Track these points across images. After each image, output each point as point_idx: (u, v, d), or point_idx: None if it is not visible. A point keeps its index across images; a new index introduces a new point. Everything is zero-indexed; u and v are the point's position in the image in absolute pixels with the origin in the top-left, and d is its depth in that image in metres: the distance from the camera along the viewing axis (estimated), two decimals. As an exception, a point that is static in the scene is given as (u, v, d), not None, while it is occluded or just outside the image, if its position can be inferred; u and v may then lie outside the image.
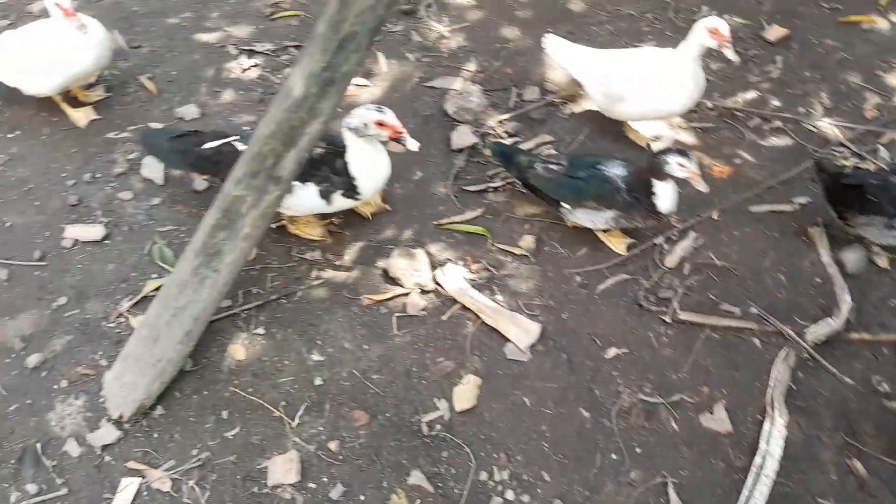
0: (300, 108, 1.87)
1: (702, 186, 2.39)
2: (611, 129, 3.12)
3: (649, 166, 2.43)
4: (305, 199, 2.41)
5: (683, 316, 2.47)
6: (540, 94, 3.28)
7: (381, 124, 2.30)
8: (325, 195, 2.40)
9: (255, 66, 3.36)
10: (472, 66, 3.44)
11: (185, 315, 2.05)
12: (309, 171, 2.34)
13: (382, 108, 2.32)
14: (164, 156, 2.59)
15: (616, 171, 2.49)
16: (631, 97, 2.86)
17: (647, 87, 2.83)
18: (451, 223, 2.73)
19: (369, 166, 2.39)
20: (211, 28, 3.58)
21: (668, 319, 2.46)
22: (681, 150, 2.38)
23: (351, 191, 2.40)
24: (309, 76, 1.82)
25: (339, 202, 2.43)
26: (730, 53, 2.71)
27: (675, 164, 2.36)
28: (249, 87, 3.26)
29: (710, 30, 2.68)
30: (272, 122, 1.91)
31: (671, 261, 2.64)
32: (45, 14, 3.58)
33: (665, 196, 2.44)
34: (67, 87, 2.96)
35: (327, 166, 2.38)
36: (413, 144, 2.33)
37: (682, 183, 2.44)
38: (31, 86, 2.89)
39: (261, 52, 3.43)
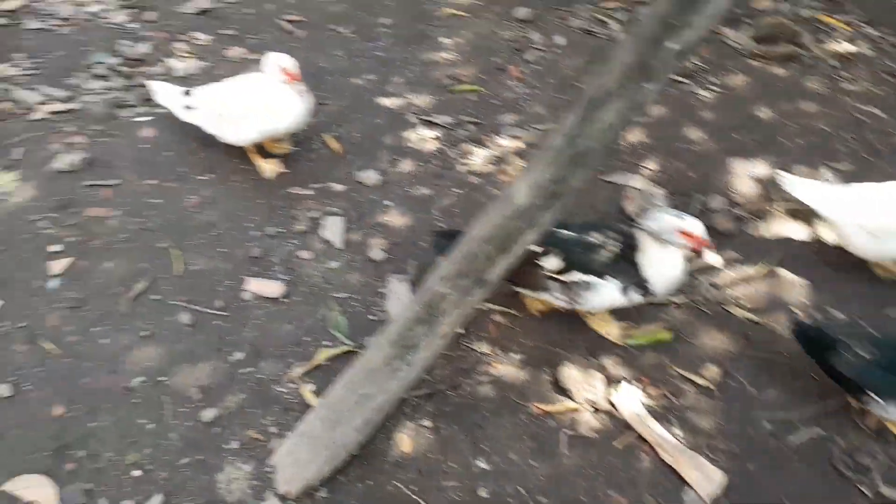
0: (520, 218, 1.82)
1: None
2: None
3: None
4: (607, 296, 2.35)
5: (886, 491, 2.19)
6: (725, 204, 3.11)
7: (685, 234, 2.20)
8: (624, 291, 2.35)
9: (435, 138, 3.40)
10: (651, 165, 3.32)
11: (369, 404, 2.01)
12: (606, 266, 2.33)
13: (686, 217, 2.21)
14: None
15: None
16: None
17: None
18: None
19: (661, 269, 2.30)
20: (393, 93, 3.67)
21: (868, 493, 2.19)
22: None
23: (644, 289, 2.34)
24: (535, 187, 1.78)
25: (635, 297, 2.37)
26: None
27: None
28: (427, 160, 3.29)
29: None
30: (489, 225, 1.87)
31: (872, 421, 2.37)
32: (242, 62, 3.82)
33: None
34: (262, 142, 3.08)
35: (623, 260, 2.33)
36: (715, 259, 2.21)
37: None
38: (229, 136, 3.03)
39: (439, 125, 3.47)
